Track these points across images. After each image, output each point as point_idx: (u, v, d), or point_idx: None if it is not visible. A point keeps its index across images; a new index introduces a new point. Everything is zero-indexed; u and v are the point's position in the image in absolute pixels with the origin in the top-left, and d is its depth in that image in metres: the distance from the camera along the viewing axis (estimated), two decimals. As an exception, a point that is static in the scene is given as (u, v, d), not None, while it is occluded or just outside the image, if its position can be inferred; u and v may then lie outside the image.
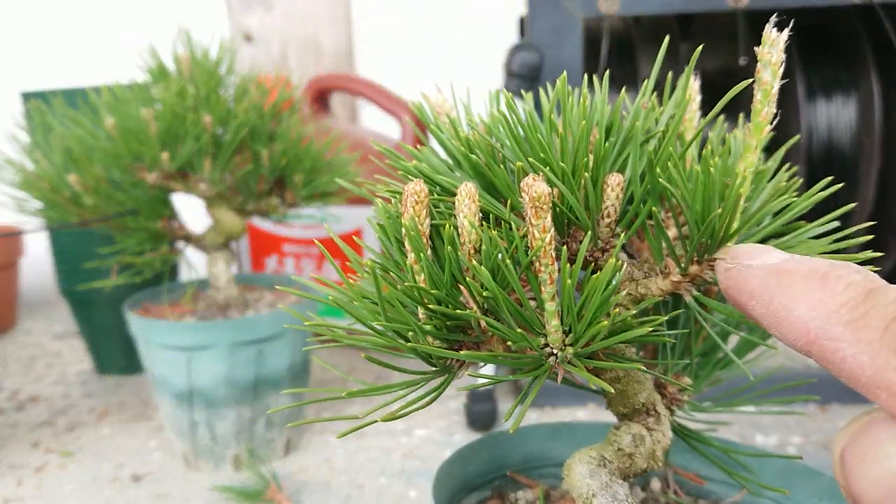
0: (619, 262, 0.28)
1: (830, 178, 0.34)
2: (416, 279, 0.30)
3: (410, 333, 0.30)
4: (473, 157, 0.33)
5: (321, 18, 1.56)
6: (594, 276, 0.27)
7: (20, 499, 0.79)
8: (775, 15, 0.30)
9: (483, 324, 0.30)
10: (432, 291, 0.29)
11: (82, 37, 1.68)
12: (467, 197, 0.30)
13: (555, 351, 0.29)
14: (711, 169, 0.28)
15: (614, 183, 0.31)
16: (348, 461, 0.84)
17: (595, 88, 0.35)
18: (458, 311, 0.29)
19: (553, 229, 0.27)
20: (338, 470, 0.82)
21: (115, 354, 1.14)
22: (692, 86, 0.33)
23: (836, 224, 0.33)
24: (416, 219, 0.30)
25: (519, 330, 0.29)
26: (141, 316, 0.83)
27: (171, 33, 0.84)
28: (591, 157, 0.31)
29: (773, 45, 0.28)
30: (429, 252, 0.30)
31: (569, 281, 0.27)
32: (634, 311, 0.31)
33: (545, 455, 0.46)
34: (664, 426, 0.37)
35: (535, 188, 0.27)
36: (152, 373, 0.83)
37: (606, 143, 0.32)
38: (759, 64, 0.28)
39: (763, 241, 0.31)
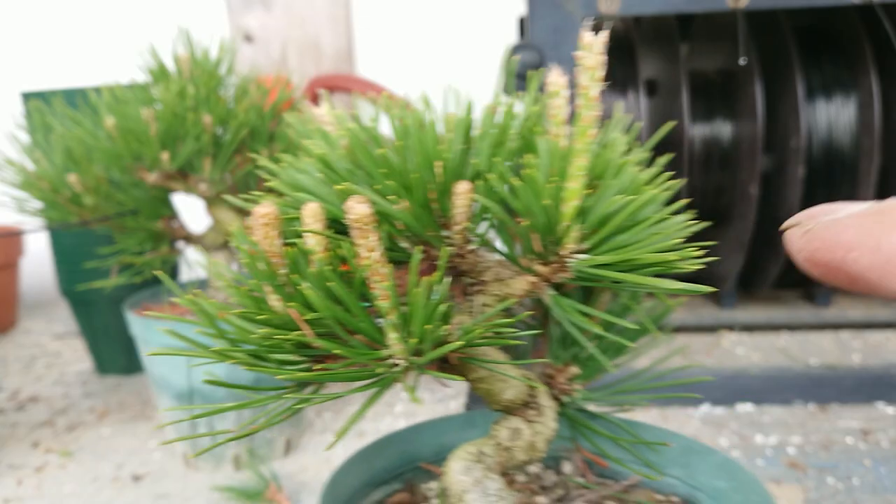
0: (437, 276, 0.29)
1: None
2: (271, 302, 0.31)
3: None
4: (332, 173, 0.33)
5: (321, 19, 1.56)
6: (415, 290, 0.28)
7: (20, 499, 0.79)
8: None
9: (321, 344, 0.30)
10: (260, 317, 0.30)
11: (82, 37, 1.68)
12: (310, 216, 0.30)
13: (398, 361, 0.30)
14: (535, 174, 0.28)
15: (461, 191, 0.31)
16: (348, 461, 0.84)
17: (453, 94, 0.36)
18: (291, 334, 0.29)
19: (379, 249, 0.28)
20: (338, 470, 0.83)
21: (115, 354, 1.14)
22: (558, 81, 0.33)
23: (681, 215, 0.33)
24: (267, 241, 0.30)
25: (353, 346, 0.30)
26: (141, 316, 0.83)
27: (171, 33, 0.84)
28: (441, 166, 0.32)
29: (590, 49, 0.28)
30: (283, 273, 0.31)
31: (417, 290, 0.28)
32: (498, 309, 0.33)
33: (461, 444, 0.47)
34: (546, 417, 0.37)
35: (356, 210, 0.27)
36: (152, 373, 0.83)
37: (456, 151, 0.33)
38: (578, 68, 0.28)
39: (611, 236, 0.31)
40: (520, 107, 0.35)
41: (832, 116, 1.00)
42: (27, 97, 1.07)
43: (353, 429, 0.90)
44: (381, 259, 0.28)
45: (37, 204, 0.86)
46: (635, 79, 1.05)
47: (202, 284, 0.95)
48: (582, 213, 0.30)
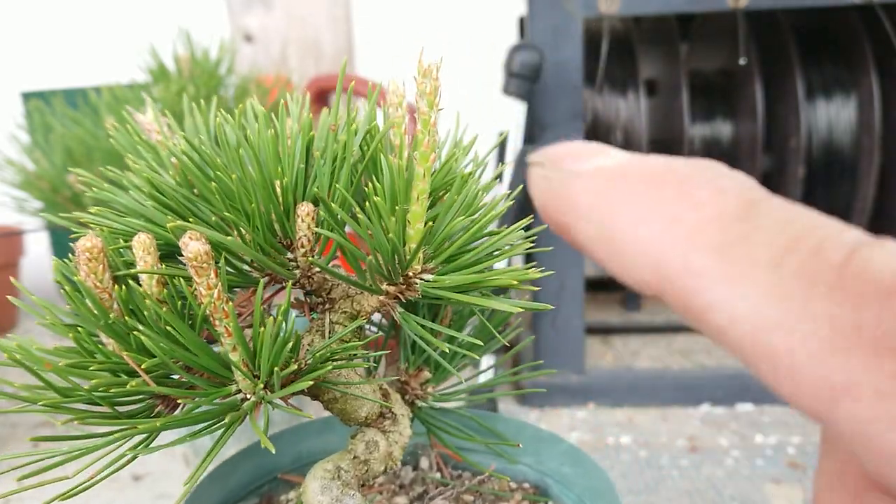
0: (282, 309, 0.28)
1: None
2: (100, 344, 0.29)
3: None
4: (161, 196, 0.31)
5: (321, 19, 1.56)
6: (261, 330, 0.27)
7: (20, 499, 0.79)
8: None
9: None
10: (91, 369, 0.28)
11: (82, 37, 1.68)
12: (142, 249, 0.29)
13: (248, 396, 0.29)
14: (379, 202, 0.28)
15: (304, 213, 0.31)
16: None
17: (295, 105, 0.35)
18: (130, 383, 0.28)
19: (219, 286, 0.27)
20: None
21: (116, 354, 1.14)
22: (396, 90, 0.33)
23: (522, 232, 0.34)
24: (93, 276, 0.28)
25: (198, 388, 0.29)
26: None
27: (171, 33, 0.84)
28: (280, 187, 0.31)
29: (428, 76, 0.27)
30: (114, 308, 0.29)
31: (262, 330, 0.27)
32: (349, 328, 0.32)
33: (320, 449, 0.46)
34: (401, 425, 0.37)
35: (191, 248, 0.26)
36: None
37: (296, 170, 0.32)
38: (416, 94, 0.28)
39: (457, 255, 0.31)
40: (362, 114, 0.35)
41: (832, 116, 1.00)
42: (27, 97, 1.07)
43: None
44: (221, 297, 0.27)
45: (37, 204, 0.86)
46: (635, 79, 1.05)
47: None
48: (427, 234, 0.30)
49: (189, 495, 0.38)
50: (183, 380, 0.29)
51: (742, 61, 0.97)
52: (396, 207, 0.29)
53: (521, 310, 0.30)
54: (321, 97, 1.32)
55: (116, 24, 1.67)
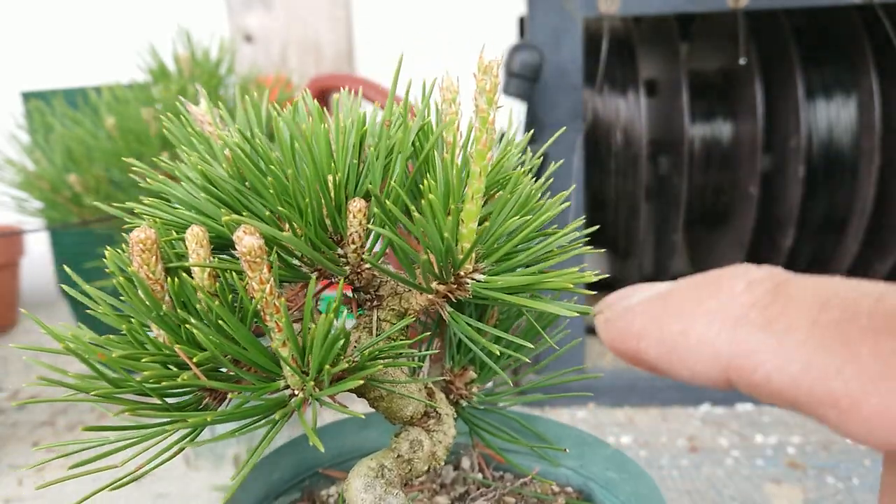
0: (330, 317, 0.27)
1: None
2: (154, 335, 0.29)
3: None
4: (213, 189, 0.31)
5: (321, 19, 1.56)
6: (313, 328, 0.27)
7: (20, 499, 0.79)
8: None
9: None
10: (143, 361, 0.28)
11: (82, 37, 1.68)
12: (194, 242, 0.28)
13: (296, 392, 0.29)
14: (433, 200, 0.28)
15: (355, 209, 0.30)
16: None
17: (347, 99, 0.35)
18: (181, 376, 0.28)
19: (271, 281, 0.26)
20: (338, 470, 0.83)
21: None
22: (451, 86, 0.33)
23: (578, 234, 0.34)
24: (146, 268, 0.28)
25: (248, 383, 0.29)
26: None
27: (171, 33, 0.84)
28: (332, 181, 0.31)
29: (488, 72, 0.27)
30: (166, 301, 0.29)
31: (313, 328, 0.27)
32: (397, 327, 0.32)
33: (359, 446, 0.46)
34: (446, 425, 0.37)
35: (245, 243, 0.25)
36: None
37: (349, 165, 0.32)
38: (475, 91, 0.27)
39: (510, 255, 0.31)
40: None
41: (832, 116, 1.00)
42: (27, 97, 1.07)
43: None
44: (273, 292, 0.27)
45: (37, 204, 0.86)
46: (635, 79, 1.05)
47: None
48: (480, 232, 0.29)
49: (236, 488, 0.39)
50: (231, 374, 0.29)
51: (742, 61, 0.97)
52: (451, 206, 0.28)
53: (575, 314, 0.29)
54: (321, 97, 1.32)
55: (116, 24, 1.67)
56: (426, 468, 0.36)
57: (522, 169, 0.34)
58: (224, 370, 0.29)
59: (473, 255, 0.30)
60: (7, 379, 1.16)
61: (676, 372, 0.18)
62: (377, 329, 0.33)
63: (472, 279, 0.30)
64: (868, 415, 0.13)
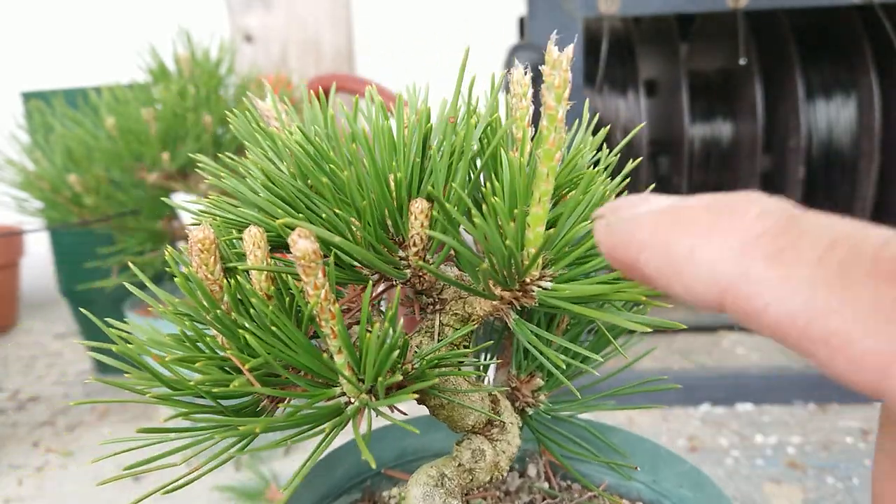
0: (390, 315, 0.27)
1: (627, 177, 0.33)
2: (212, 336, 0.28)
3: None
4: (274, 188, 0.30)
5: (321, 19, 1.56)
6: (368, 335, 0.26)
7: (21, 498, 0.79)
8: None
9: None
10: (197, 364, 0.28)
11: (82, 37, 1.68)
12: (252, 243, 0.28)
13: (351, 400, 0.28)
14: (498, 205, 0.26)
15: (417, 211, 0.29)
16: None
17: (405, 99, 0.33)
18: (234, 383, 0.27)
19: (327, 286, 0.26)
20: (338, 470, 0.83)
21: (115, 354, 1.14)
22: (522, 80, 0.30)
23: None
24: (205, 267, 0.28)
25: (302, 389, 0.28)
26: (141, 316, 0.83)
27: (171, 33, 0.84)
28: (394, 181, 0.29)
29: (557, 66, 0.25)
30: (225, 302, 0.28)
31: (368, 335, 0.26)
32: (461, 332, 0.30)
33: (424, 447, 0.45)
34: (510, 434, 0.36)
35: (299, 247, 0.24)
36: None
37: (412, 164, 0.30)
38: (543, 87, 0.25)
39: (581, 260, 0.29)
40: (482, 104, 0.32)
41: (832, 116, 1.00)
42: (27, 97, 1.07)
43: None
44: (328, 297, 0.26)
45: (37, 204, 0.86)
46: (635, 79, 1.05)
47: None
48: (548, 237, 0.28)
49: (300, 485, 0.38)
50: (287, 379, 0.28)
51: (742, 61, 0.97)
52: (515, 210, 0.26)
53: (649, 329, 0.27)
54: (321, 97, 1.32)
55: (116, 24, 1.67)
56: (488, 478, 0.35)
57: (597, 168, 0.31)
58: (281, 376, 0.29)
59: (541, 260, 0.28)
60: (7, 379, 1.16)
61: (671, 287, 0.18)
62: (439, 334, 0.32)
63: (539, 286, 0.28)
64: (858, 355, 0.14)
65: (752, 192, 0.18)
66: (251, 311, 0.28)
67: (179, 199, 0.94)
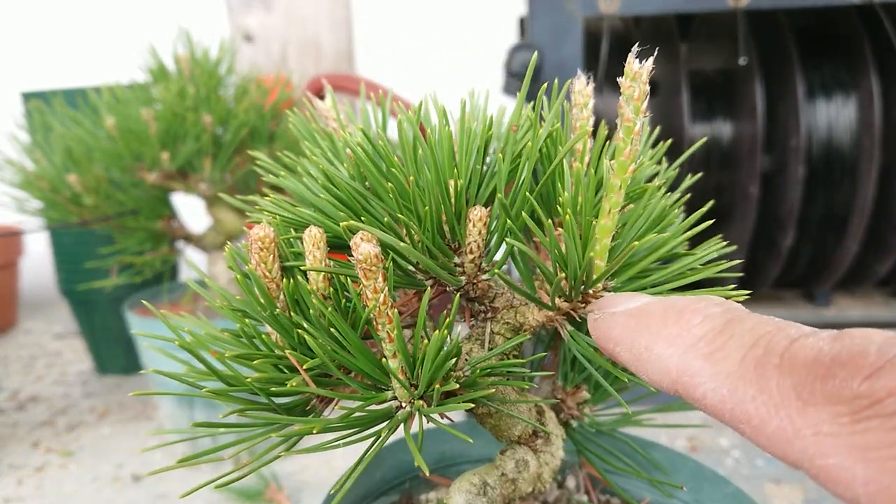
0: (448, 322, 0.26)
1: (707, 216, 0.33)
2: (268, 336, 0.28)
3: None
4: (335, 189, 0.30)
5: (321, 19, 1.56)
6: (424, 342, 0.26)
7: (20, 498, 0.79)
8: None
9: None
10: (255, 362, 0.28)
11: (82, 37, 1.68)
12: (311, 244, 0.28)
13: (403, 405, 0.28)
14: (568, 214, 0.26)
15: (476, 218, 0.29)
16: (347, 461, 0.84)
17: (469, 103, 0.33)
18: (290, 382, 0.27)
19: (385, 290, 0.26)
20: (337, 469, 0.82)
21: (115, 354, 1.14)
22: (584, 90, 0.30)
23: (716, 254, 0.32)
24: (263, 266, 0.28)
25: (355, 392, 0.28)
26: (141, 316, 0.82)
27: (171, 33, 0.84)
28: (454, 187, 0.29)
29: (637, 79, 0.25)
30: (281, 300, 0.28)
31: (424, 341, 0.26)
32: (512, 343, 0.30)
33: (463, 453, 0.45)
34: (553, 446, 0.35)
35: (361, 250, 0.25)
36: (153, 374, 0.83)
37: (472, 170, 0.30)
38: (621, 99, 0.25)
39: (642, 274, 0.29)
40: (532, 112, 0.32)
41: (832, 116, 1.00)
42: (27, 97, 1.07)
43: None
44: (386, 301, 0.26)
45: (37, 204, 0.86)
46: (635, 79, 1.05)
47: (202, 285, 0.95)
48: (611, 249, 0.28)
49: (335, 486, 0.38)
50: (339, 380, 0.28)
51: (742, 61, 0.96)
52: (580, 219, 0.26)
53: None
54: (321, 97, 1.32)
55: (116, 24, 1.67)
56: (530, 489, 0.34)
57: (657, 181, 0.31)
58: (332, 376, 0.29)
59: (604, 273, 0.28)
60: (7, 379, 1.16)
61: (638, 374, 0.22)
62: (489, 342, 0.32)
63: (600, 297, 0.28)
64: (771, 433, 0.18)
65: (703, 298, 0.22)
66: (307, 311, 0.28)
67: (179, 199, 0.94)
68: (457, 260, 0.30)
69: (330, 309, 0.26)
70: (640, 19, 1.12)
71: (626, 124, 0.25)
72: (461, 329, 0.32)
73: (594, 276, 0.27)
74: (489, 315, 0.32)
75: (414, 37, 1.68)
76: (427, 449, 0.44)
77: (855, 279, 1.09)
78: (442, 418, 0.28)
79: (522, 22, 1.17)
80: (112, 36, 1.62)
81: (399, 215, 0.28)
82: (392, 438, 0.43)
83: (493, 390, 0.28)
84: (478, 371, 0.29)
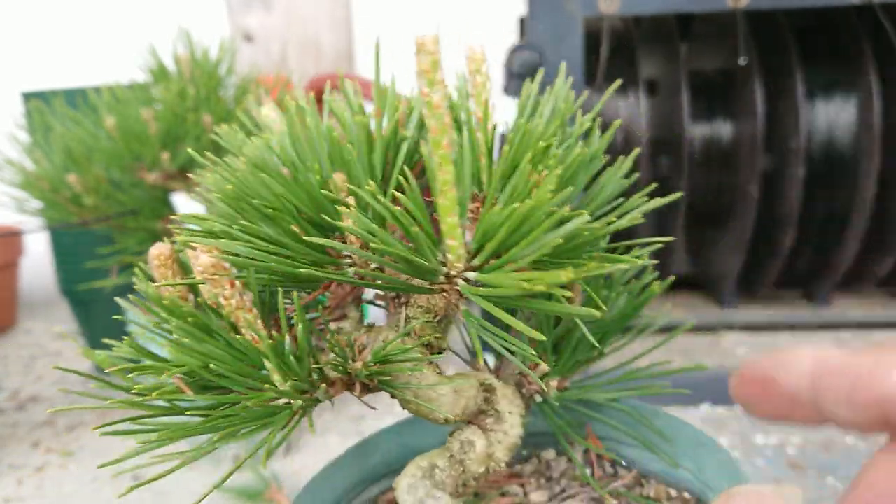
0: (280, 336, 0.28)
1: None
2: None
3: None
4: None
5: (321, 19, 1.56)
6: (270, 342, 0.27)
7: (20, 498, 0.79)
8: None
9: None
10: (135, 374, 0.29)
11: (82, 37, 1.68)
12: (158, 263, 0.30)
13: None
14: (403, 199, 0.27)
15: (345, 208, 0.30)
16: (348, 461, 0.84)
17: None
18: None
19: (236, 296, 0.27)
20: (338, 470, 0.83)
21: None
22: (476, 56, 0.30)
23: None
24: (163, 281, 0.30)
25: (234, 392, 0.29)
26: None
27: (171, 33, 0.84)
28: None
29: (423, 49, 0.24)
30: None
31: (270, 341, 0.27)
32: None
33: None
34: (507, 424, 0.35)
35: (200, 262, 0.27)
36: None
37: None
38: (416, 72, 0.24)
39: (501, 250, 0.27)
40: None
41: (832, 116, 1.00)
42: (27, 97, 1.07)
43: (354, 430, 0.90)
44: (240, 305, 0.27)
45: (37, 204, 0.86)
46: (635, 79, 1.05)
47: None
48: (486, 228, 0.26)
49: (324, 469, 0.38)
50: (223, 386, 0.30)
51: (742, 61, 0.96)
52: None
53: (598, 315, 0.26)
54: (321, 97, 1.32)
55: (116, 24, 1.67)
56: (482, 469, 0.34)
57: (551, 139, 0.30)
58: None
59: (463, 252, 0.27)
60: (7, 379, 1.16)
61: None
62: (403, 327, 0.32)
63: (464, 280, 0.28)
64: None
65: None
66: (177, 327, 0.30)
67: (179, 199, 0.94)
68: (346, 252, 0.30)
69: (192, 319, 0.28)
70: (640, 19, 1.12)
71: (426, 99, 0.25)
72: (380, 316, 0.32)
73: (449, 256, 0.27)
74: (403, 300, 0.32)
75: (414, 37, 1.68)
76: (432, 429, 0.43)
77: (855, 279, 1.09)
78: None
79: (522, 22, 1.17)
80: (112, 36, 1.62)
81: (273, 213, 0.29)
82: (389, 422, 0.43)
83: (390, 377, 0.29)
84: (376, 356, 0.29)
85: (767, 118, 0.98)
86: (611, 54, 0.98)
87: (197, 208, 0.34)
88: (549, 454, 0.44)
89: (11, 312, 1.46)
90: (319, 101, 1.27)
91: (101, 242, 0.92)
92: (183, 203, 0.94)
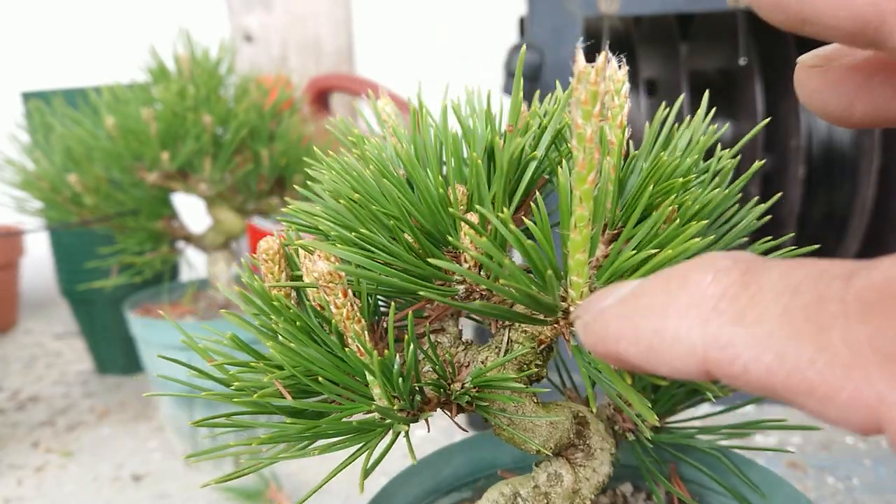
0: (390, 353, 0.27)
1: None
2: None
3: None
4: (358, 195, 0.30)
5: (321, 19, 1.56)
6: (383, 354, 0.26)
7: (20, 498, 0.79)
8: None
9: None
10: (253, 366, 0.29)
11: (82, 37, 1.68)
12: (266, 258, 0.29)
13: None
14: (528, 221, 0.25)
15: (467, 227, 0.28)
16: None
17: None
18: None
19: (347, 305, 0.26)
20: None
21: (115, 354, 1.14)
22: (615, 75, 0.28)
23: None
24: (271, 276, 0.29)
25: (339, 404, 0.28)
26: (141, 316, 0.83)
27: (171, 33, 0.84)
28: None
29: (583, 80, 0.22)
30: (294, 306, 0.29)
31: (382, 354, 0.26)
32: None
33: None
34: (597, 461, 0.34)
35: (317, 268, 0.26)
36: (152, 373, 0.83)
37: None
38: (572, 106, 0.23)
39: None
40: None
41: (832, 116, 1.00)
42: (27, 97, 1.07)
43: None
44: (350, 315, 0.26)
45: (37, 204, 0.86)
46: (635, 79, 1.05)
47: (202, 284, 0.95)
48: (606, 265, 0.26)
49: (394, 479, 0.38)
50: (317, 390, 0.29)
51: (742, 61, 0.96)
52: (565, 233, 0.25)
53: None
54: (321, 97, 1.32)
55: (116, 24, 1.67)
56: None
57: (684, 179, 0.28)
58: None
59: (587, 289, 0.26)
60: (7, 379, 1.16)
61: (657, 370, 0.17)
62: (506, 352, 0.30)
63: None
64: (846, 402, 0.13)
65: (704, 256, 0.17)
66: (295, 323, 0.29)
67: (179, 199, 0.94)
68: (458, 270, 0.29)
69: (299, 322, 0.27)
70: (640, 19, 1.12)
71: (578, 131, 0.23)
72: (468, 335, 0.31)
73: (571, 292, 0.26)
74: (507, 323, 0.31)
75: (414, 37, 1.68)
76: (502, 449, 0.43)
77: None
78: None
79: (522, 22, 1.16)
80: (112, 36, 1.62)
81: (392, 224, 0.28)
82: (462, 436, 0.42)
83: (487, 403, 0.28)
84: (475, 381, 0.28)
85: (767, 118, 0.98)
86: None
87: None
88: (626, 488, 0.43)
89: (12, 312, 1.46)
90: (319, 101, 1.28)
91: (101, 242, 0.92)
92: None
